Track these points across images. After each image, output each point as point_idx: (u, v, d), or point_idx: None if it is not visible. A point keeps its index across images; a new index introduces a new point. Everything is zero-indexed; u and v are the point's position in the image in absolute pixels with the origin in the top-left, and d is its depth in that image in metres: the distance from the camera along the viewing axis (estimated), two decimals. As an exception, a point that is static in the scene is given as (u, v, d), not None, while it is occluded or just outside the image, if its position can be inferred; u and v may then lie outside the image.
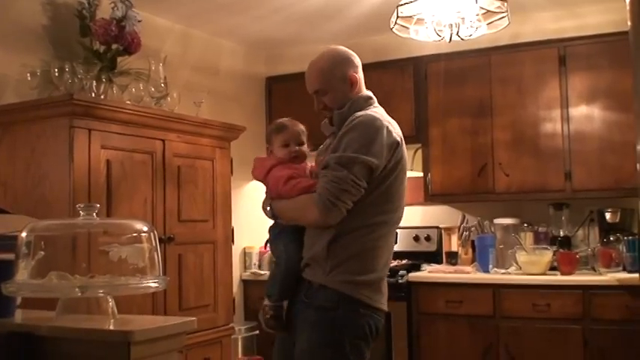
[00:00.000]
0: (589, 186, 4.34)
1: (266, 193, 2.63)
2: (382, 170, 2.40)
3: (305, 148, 2.60)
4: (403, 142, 2.50)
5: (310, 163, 2.65)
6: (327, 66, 2.55)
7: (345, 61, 2.57)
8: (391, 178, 2.45)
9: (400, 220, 2.56)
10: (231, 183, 4.12)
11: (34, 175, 3.28)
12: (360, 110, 2.49)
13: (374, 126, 2.40)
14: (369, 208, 2.42)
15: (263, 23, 4.78)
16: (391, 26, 3.51)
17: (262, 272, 5.08)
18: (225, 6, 4.40)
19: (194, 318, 2.04)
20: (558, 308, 4.04)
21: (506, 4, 3.36)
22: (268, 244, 2.68)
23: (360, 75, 2.60)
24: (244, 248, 5.19)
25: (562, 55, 4.43)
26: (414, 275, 4.53)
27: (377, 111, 2.52)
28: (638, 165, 3.52)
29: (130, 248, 2.03)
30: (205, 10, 4.45)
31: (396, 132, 2.48)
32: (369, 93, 2.60)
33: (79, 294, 1.92)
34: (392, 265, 4.63)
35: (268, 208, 2.57)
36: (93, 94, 3.41)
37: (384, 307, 2.51)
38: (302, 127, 2.62)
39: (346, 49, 2.62)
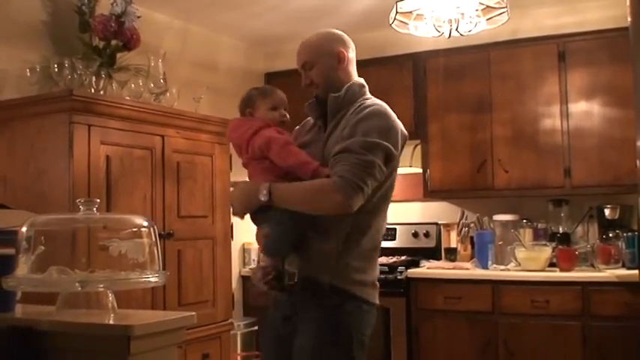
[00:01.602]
0: (588, 182, 4.34)
1: (251, 175, 2.49)
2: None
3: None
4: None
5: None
6: (315, 40, 2.55)
7: (335, 38, 2.55)
8: (394, 174, 2.47)
9: None
10: (230, 179, 4.12)
11: (34, 170, 3.28)
12: (356, 96, 2.48)
13: (390, 116, 2.40)
14: (379, 204, 2.43)
15: (262, 19, 4.78)
16: (390, 22, 3.51)
17: (261, 268, 5.08)
18: (224, 2, 4.41)
19: (193, 313, 2.04)
20: (557, 304, 4.05)
21: (505, -1, 3.36)
22: (254, 217, 2.47)
23: (351, 55, 2.56)
24: (243, 244, 5.20)
25: (561, 50, 4.43)
26: (412, 271, 4.53)
27: (380, 102, 2.48)
28: (637, 161, 3.53)
29: (129, 243, 2.03)
30: (204, 6, 4.45)
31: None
32: (362, 80, 2.58)
33: (79, 288, 1.92)
34: (391, 261, 4.68)
35: (264, 192, 2.32)
36: (92, 90, 3.41)
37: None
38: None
39: (340, 32, 2.60)
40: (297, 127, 2.69)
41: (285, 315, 2.46)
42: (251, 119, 2.50)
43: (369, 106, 2.41)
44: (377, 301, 2.48)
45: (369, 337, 2.44)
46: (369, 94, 2.54)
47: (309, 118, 2.67)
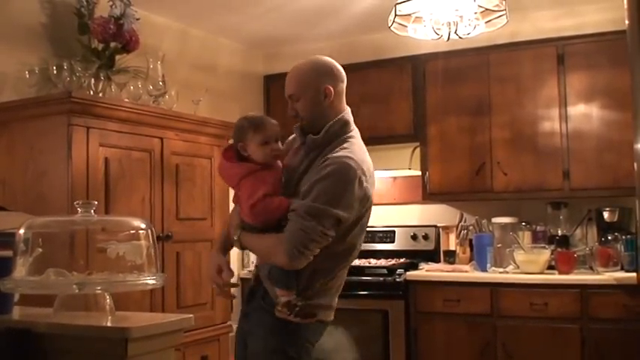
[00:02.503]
0: (587, 185, 4.34)
1: (234, 215, 2.59)
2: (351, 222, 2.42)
3: (281, 145, 2.56)
4: (374, 185, 2.51)
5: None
6: (304, 73, 2.52)
7: (325, 73, 2.51)
8: (356, 229, 2.47)
9: None
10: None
11: (33, 172, 3.28)
12: (334, 137, 2.47)
13: (347, 177, 2.35)
14: (339, 254, 2.47)
15: (261, 22, 4.78)
16: (389, 25, 3.51)
17: (260, 271, 5.08)
18: (223, 4, 4.41)
19: (191, 315, 2.04)
20: (556, 307, 4.04)
21: (504, 2, 3.36)
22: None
23: (340, 89, 2.53)
24: (242, 247, 5.19)
25: (560, 53, 4.44)
26: (411, 274, 4.53)
27: (353, 150, 2.44)
28: (635, 164, 3.54)
29: (127, 245, 2.03)
30: (203, 8, 4.45)
31: (368, 177, 2.44)
32: (347, 116, 2.54)
33: (77, 291, 1.92)
34: (390, 263, 4.68)
35: (235, 238, 2.50)
36: (91, 92, 3.42)
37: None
38: (276, 122, 2.58)
39: (332, 62, 2.55)
40: (290, 137, 2.70)
41: (245, 312, 2.62)
42: (239, 165, 2.48)
43: (329, 164, 2.37)
44: (330, 319, 2.56)
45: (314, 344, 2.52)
46: (349, 133, 2.51)
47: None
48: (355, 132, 2.54)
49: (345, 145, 2.44)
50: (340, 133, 2.48)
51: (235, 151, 2.50)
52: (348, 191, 2.34)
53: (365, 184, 2.40)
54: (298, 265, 2.33)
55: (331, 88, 2.48)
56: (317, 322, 2.48)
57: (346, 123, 2.52)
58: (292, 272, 2.38)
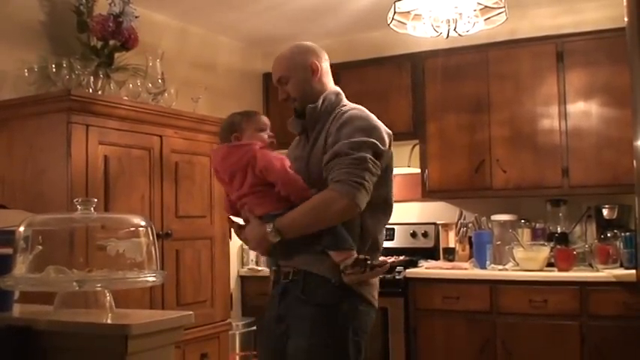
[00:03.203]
0: (586, 182, 4.35)
1: (250, 212, 2.41)
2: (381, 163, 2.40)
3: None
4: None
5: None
6: (288, 55, 2.59)
7: (307, 51, 2.58)
8: (387, 178, 2.48)
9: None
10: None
11: (32, 170, 3.28)
12: (333, 105, 2.52)
13: (370, 117, 2.44)
14: (379, 208, 2.44)
15: (260, 19, 4.78)
16: (389, 22, 3.51)
17: (259, 268, 5.09)
18: (222, 2, 4.41)
19: (191, 312, 2.03)
20: (555, 304, 4.05)
21: (503, -1, 3.37)
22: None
23: (324, 66, 2.60)
24: (241, 244, 5.19)
25: (560, 51, 4.44)
26: (411, 271, 4.54)
27: (358, 106, 2.53)
28: (635, 161, 3.54)
29: (127, 243, 2.03)
30: (202, 6, 4.45)
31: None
32: (338, 88, 2.61)
33: (77, 288, 1.91)
34: (389, 261, 4.67)
35: (273, 234, 2.32)
36: (90, 90, 3.42)
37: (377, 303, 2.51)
38: None
39: (313, 44, 2.64)
40: (293, 142, 2.70)
41: (278, 315, 2.45)
42: (243, 144, 2.43)
43: (347, 111, 2.45)
44: (376, 303, 2.48)
45: (365, 340, 2.43)
46: (345, 101, 2.58)
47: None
48: (350, 103, 2.59)
49: (347, 105, 2.53)
50: (337, 102, 2.54)
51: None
52: (374, 126, 2.40)
53: (382, 124, 2.46)
54: (361, 203, 2.25)
55: (317, 63, 2.55)
56: (365, 306, 2.40)
57: (339, 92, 2.59)
58: (344, 231, 2.31)
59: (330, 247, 2.31)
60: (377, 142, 2.35)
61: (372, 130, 2.38)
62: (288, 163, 2.38)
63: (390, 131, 2.49)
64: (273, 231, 2.32)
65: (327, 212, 2.27)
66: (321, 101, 2.51)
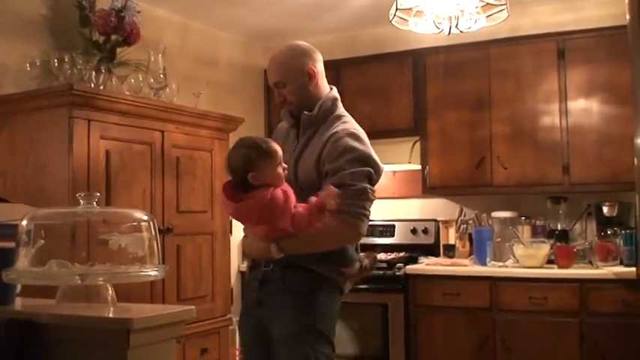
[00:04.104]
0: (587, 179, 4.35)
1: (255, 231, 2.53)
2: None
3: None
4: None
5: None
6: (285, 59, 2.62)
7: (303, 54, 2.62)
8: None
9: None
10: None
11: (34, 165, 3.29)
12: (328, 113, 2.59)
13: (366, 142, 2.54)
14: None
15: (262, 15, 4.78)
16: (390, 18, 3.51)
17: (260, 264, 5.08)
18: (225, -3, 4.41)
19: (193, 307, 2.04)
20: (555, 301, 4.06)
21: (505, -4, 3.37)
22: None
23: (320, 69, 2.65)
24: (242, 240, 5.18)
25: (561, 48, 4.44)
26: (411, 268, 4.55)
27: (351, 121, 2.61)
28: (635, 159, 3.55)
29: (129, 237, 2.03)
30: (204, 1, 4.45)
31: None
32: (335, 93, 2.67)
33: (79, 282, 1.92)
34: (389, 257, 4.69)
35: (276, 252, 2.43)
36: (92, 85, 3.42)
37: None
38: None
39: (307, 44, 2.68)
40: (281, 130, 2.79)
41: (258, 299, 2.58)
42: (252, 202, 2.39)
43: (343, 136, 2.50)
44: (346, 290, 2.65)
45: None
46: (340, 109, 2.64)
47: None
48: (347, 114, 2.66)
49: (344, 120, 2.59)
50: (333, 109, 2.61)
51: (234, 185, 2.45)
52: (370, 154, 2.50)
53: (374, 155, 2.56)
54: (364, 231, 2.45)
55: (313, 68, 2.60)
56: (336, 291, 2.57)
57: (336, 99, 2.65)
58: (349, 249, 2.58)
59: (344, 266, 2.56)
60: (372, 171, 2.48)
61: (368, 159, 2.49)
62: (293, 200, 2.41)
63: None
64: (277, 250, 2.44)
65: (333, 240, 2.48)
66: (317, 109, 2.58)
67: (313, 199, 2.38)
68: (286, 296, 2.49)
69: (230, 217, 3.97)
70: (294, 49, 2.63)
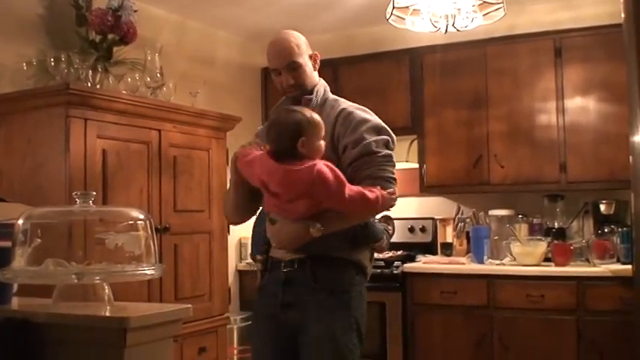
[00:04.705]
0: (584, 178, 4.35)
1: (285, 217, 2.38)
2: None
3: None
4: None
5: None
6: (299, 41, 2.61)
7: (305, 41, 2.66)
8: None
9: None
10: (227, 173, 4.12)
11: (30, 164, 3.29)
12: (322, 98, 2.61)
13: (372, 114, 2.59)
14: None
15: (259, 14, 4.77)
16: (387, 17, 3.52)
17: (258, 263, 5.09)
18: (221, -4, 4.41)
19: (190, 305, 2.04)
20: (552, 299, 4.06)
21: (502, -5, 3.37)
22: None
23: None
24: (240, 239, 5.20)
25: (558, 46, 4.44)
26: (408, 266, 4.55)
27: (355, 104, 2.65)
28: (631, 157, 3.55)
29: (126, 236, 2.03)
30: (201, 0, 4.45)
31: None
32: (323, 81, 2.71)
33: (76, 281, 1.92)
34: (387, 256, 4.68)
35: (317, 227, 2.30)
36: (89, 84, 3.42)
37: None
38: None
39: None
40: (261, 127, 2.76)
41: (283, 302, 2.44)
42: (309, 168, 2.25)
43: (354, 109, 2.57)
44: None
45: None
46: (332, 95, 2.67)
47: None
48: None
49: (343, 101, 2.64)
50: (326, 95, 2.64)
51: (277, 153, 2.32)
52: (382, 124, 2.57)
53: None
54: (396, 197, 2.49)
55: (317, 54, 2.66)
56: (364, 280, 2.58)
57: (327, 86, 2.69)
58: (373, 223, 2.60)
59: (373, 241, 2.59)
60: (389, 139, 2.55)
61: (383, 129, 2.55)
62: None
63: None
64: (317, 228, 2.31)
65: (374, 207, 2.41)
66: (315, 94, 2.59)
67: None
68: (320, 295, 2.40)
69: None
70: (299, 35, 2.65)
